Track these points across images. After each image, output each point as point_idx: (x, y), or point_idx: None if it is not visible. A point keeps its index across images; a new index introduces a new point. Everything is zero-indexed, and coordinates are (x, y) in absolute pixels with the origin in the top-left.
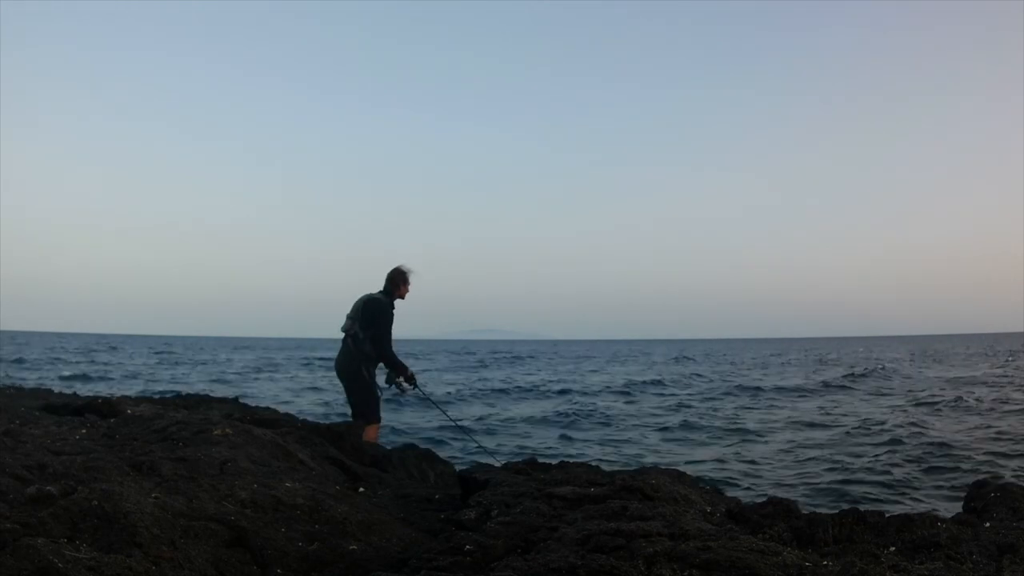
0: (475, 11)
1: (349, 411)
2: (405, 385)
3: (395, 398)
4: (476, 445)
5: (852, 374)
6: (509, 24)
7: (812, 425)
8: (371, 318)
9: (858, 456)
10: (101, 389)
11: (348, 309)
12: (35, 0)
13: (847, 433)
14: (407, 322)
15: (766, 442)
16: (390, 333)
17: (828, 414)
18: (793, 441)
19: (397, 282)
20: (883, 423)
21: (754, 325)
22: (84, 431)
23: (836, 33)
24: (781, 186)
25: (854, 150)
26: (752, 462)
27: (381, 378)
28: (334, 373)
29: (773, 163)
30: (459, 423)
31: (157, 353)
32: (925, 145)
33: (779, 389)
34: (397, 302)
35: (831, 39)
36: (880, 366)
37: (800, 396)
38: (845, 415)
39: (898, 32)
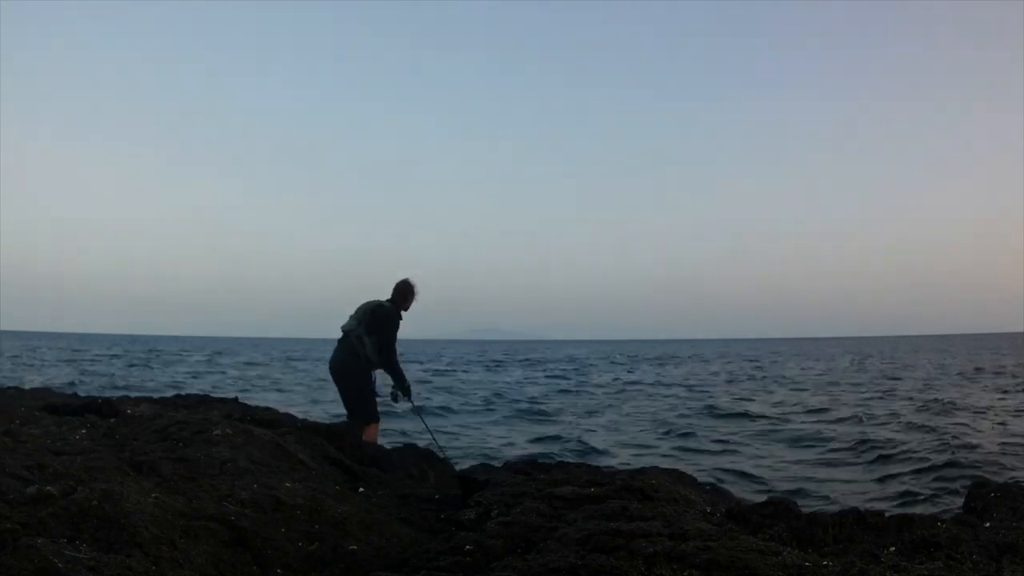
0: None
1: (345, 412)
2: (401, 398)
3: (386, 400)
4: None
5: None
6: (507, 27)
7: None
8: (379, 325)
9: None
10: None
11: (351, 310)
12: (35, 0)
13: None
14: (409, 323)
15: None
16: (395, 341)
17: None
18: None
19: (405, 294)
20: None
21: (743, 325)
22: (84, 431)
23: (841, 28)
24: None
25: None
26: None
27: (377, 383)
28: (329, 374)
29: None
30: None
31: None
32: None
33: None
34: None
35: (835, 34)
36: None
37: None
38: None
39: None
